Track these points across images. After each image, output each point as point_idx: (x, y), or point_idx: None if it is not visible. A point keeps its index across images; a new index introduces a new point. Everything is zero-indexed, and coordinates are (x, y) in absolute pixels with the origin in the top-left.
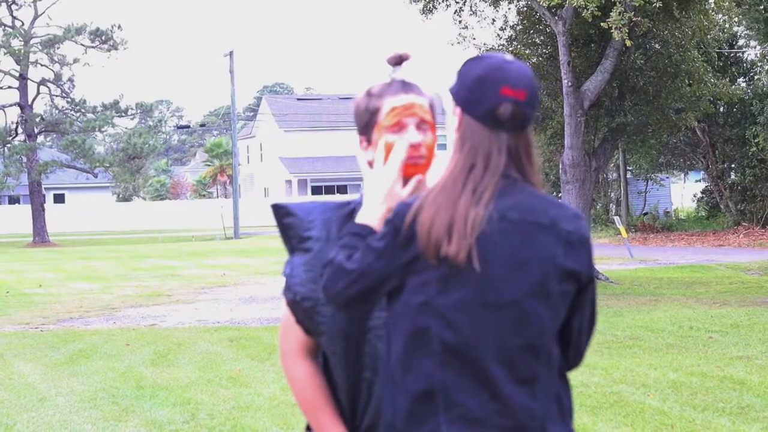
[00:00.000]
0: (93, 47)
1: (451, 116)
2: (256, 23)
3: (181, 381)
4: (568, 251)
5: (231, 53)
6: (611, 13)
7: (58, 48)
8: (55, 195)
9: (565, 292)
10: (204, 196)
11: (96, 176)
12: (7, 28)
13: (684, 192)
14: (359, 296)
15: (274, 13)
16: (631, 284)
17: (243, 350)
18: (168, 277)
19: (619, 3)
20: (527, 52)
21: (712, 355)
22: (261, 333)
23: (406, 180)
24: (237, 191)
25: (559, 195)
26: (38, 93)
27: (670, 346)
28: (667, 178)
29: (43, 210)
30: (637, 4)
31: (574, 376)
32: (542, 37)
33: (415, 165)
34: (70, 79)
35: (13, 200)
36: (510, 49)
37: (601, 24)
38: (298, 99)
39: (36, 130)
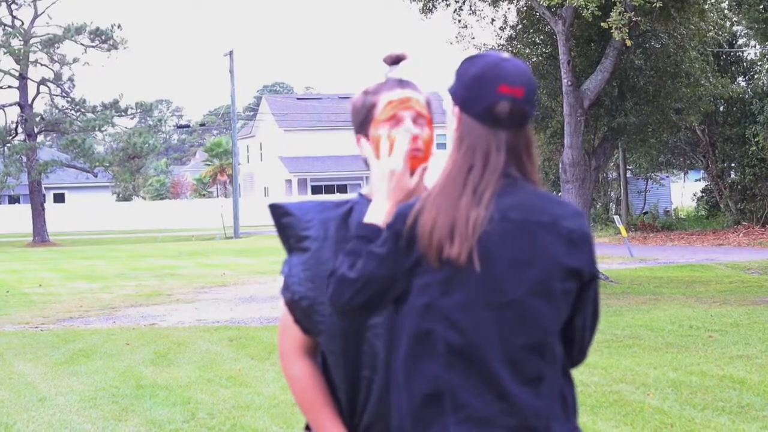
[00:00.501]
0: (93, 47)
1: (451, 116)
2: (256, 23)
3: (181, 380)
4: (571, 249)
5: (231, 53)
6: (611, 13)
7: (57, 47)
8: (55, 194)
9: (568, 290)
10: (204, 195)
11: (96, 176)
12: (7, 27)
13: (684, 191)
14: (367, 304)
15: (274, 13)
16: (630, 283)
17: (243, 350)
18: (168, 277)
19: (619, 3)
20: (527, 51)
21: (711, 354)
22: (261, 332)
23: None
24: (237, 191)
25: (559, 194)
26: (38, 92)
27: (670, 345)
28: (667, 177)
29: (43, 209)
30: (637, 4)
31: (574, 376)
32: (542, 37)
33: (413, 158)
34: (70, 79)
35: (13, 200)
36: (510, 48)
37: (602, 24)
38: (298, 98)
39: (36, 130)
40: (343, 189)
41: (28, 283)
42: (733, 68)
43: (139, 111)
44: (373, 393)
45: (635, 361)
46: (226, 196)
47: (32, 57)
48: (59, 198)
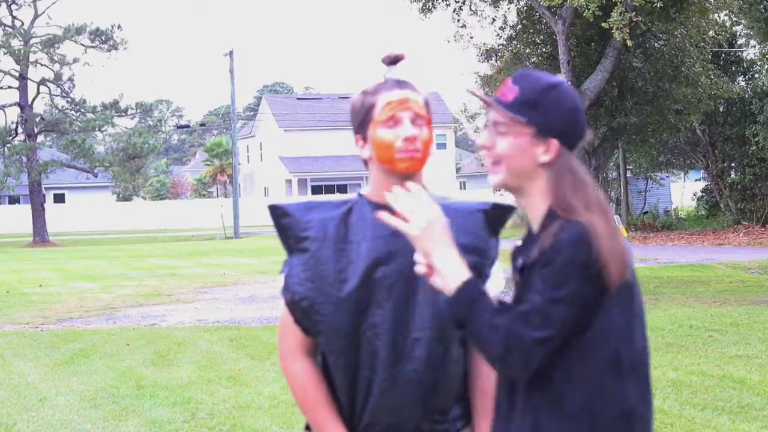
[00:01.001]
0: (93, 47)
1: (525, 145)
2: (256, 23)
3: (181, 380)
4: None
5: (231, 53)
6: (612, 14)
7: (57, 48)
8: (55, 195)
9: None
10: (204, 195)
11: (96, 176)
12: (7, 27)
13: (684, 191)
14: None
15: (274, 13)
16: None
17: (243, 350)
18: (168, 277)
19: (620, 3)
20: (527, 51)
21: (711, 353)
22: (261, 332)
23: (405, 176)
24: (237, 191)
25: None
26: (38, 93)
27: (670, 345)
28: (667, 177)
29: (43, 210)
30: (638, 4)
31: None
32: (542, 37)
33: (411, 158)
34: (70, 79)
35: (13, 200)
36: (510, 48)
37: (602, 24)
38: (298, 98)
39: (36, 130)
40: (343, 189)
41: (28, 283)
42: (733, 68)
43: (139, 111)
44: (373, 393)
45: None
46: (226, 196)
47: (32, 57)
48: (59, 198)
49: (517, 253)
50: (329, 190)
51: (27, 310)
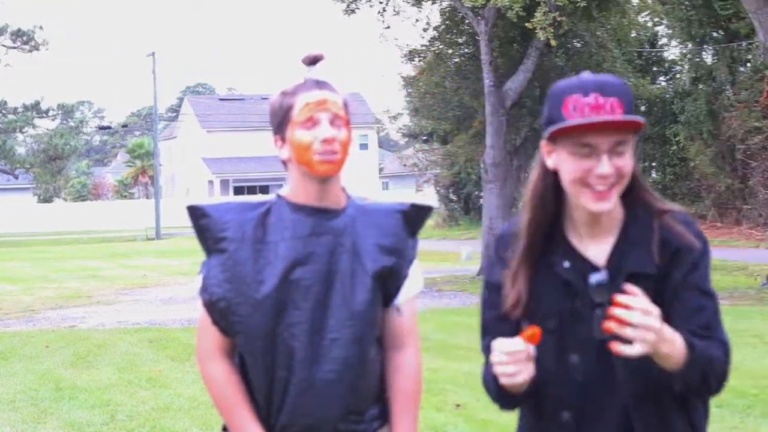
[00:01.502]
0: (14, 48)
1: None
2: (178, 24)
3: (101, 382)
4: None
5: (153, 54)
6: (536, 14)
7: None
8: None
9: None
10: (125, 197)
11: (16, 177)
12: None
13: None
14: None
15: (197, 13)
16: None
17: (163, 351)
18: (89, 279)
19: (544, 3)
20: (449, 51)
21: None
22: (181, 334)
23: (323, 178)
24: (158, 192)
25: (481, 194)
26: None
27: None
28: None
29: None
30: (561, 4)
31: None
32: (464, 37)
33: (329, 161)
34: None
35: None
36: (432, 49)
37: (526, 24)
38: (221, 99)
39: None
40: (265, 190)
41: None
42: (654, 68)
43: (60, 112)
44: (290, 393)
45: None
46: (147, 198)
47: None
48: None
49: (616, 259)
50: (252, 191)
51: None
